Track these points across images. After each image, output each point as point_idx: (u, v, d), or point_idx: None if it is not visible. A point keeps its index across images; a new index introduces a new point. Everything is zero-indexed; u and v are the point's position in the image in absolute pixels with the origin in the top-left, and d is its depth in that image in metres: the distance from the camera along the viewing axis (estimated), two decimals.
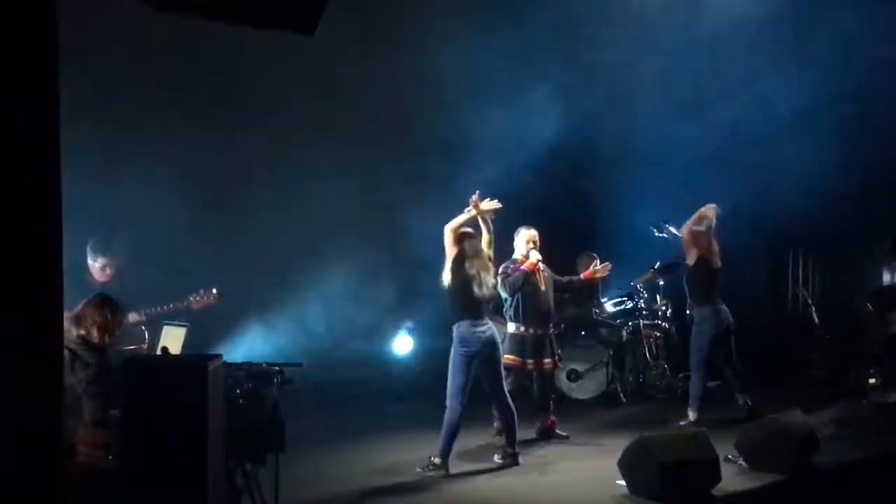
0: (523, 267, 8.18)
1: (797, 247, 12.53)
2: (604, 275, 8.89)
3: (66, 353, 5.27)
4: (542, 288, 8.32)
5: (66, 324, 5.55)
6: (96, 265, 7.33)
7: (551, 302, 8.46)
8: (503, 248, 8.56)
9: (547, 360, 8.40)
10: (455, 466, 7.26)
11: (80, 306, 5.59)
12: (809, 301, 11.21)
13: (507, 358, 8.32)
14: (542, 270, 8.35)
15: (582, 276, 8.83)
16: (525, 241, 8.29)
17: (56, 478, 3.31)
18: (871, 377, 10.48)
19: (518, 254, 8.38)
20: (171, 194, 9.13)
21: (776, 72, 11.33)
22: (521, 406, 8.51)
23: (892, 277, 12.38)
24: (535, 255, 8.23)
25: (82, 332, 5.48)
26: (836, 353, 10.80)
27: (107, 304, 5.63)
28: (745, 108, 11.28)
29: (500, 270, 8.32)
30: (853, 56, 10.96)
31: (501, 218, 7.59)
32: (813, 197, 11.14)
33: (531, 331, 8.27)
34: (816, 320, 10.87)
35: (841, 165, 11.37)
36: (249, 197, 9.62)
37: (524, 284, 8.18)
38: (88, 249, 7.34)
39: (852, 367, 10.66)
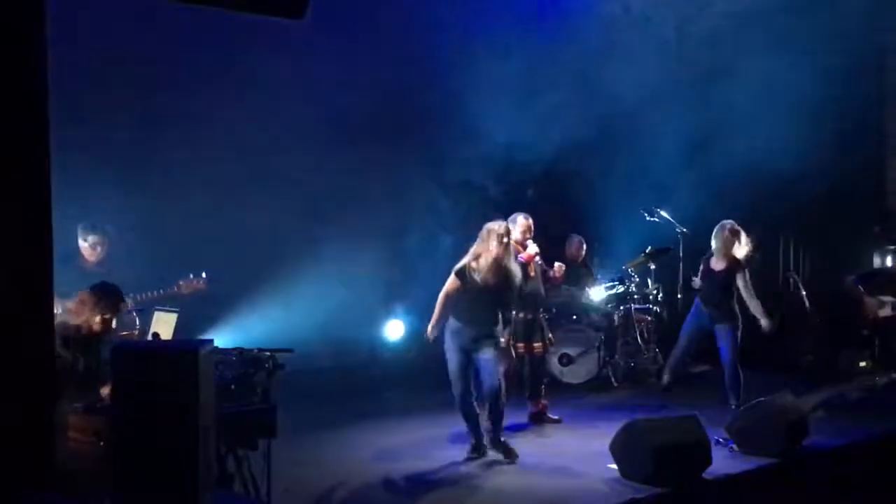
0: (521, 258, 8.14)
1: (787, 231, 12.54)
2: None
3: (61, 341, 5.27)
4: (532, 274, 8.29)
5: (64, 312, 5.55)
6: (86, 245, 7.33)
7: (541, 288, 8.45)
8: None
9: (537, 344, 8.40)
10: (446, 451, 7.26)
11: (79, 294, 5.58)
12: (800, 285, 11.23)
13: None
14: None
15: (553, 274, 8.67)
16: (522, 230, 8.23)
17: (46, 464, 3.31)
18: (862, 360, 10.53)
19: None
20: (160, 179, 9.11)
21: (763, 57, 11.33)
22: (512, 390, 8.55)
23: (883, 261, 12.42)
24: (534, 248, 8.19)
25: (79, 320, 5.46)
26: (826, 336, 10.84)
27: (107, 291, 5.61)
28: (733, 92, 11.28)
29: None
30: (838, 38, 10.98)
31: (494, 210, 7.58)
32: (802, 180, 11.16)
33: (521, 315, 8.26)
34: (807, 304, 10.90)
35: (830, 149, 11.39)
36: (238, 181, 9.57)
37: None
38: (79, 229, 7.35)
39: (843, 350, 10.70)
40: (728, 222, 8.94)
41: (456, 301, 7.21)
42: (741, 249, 8.84)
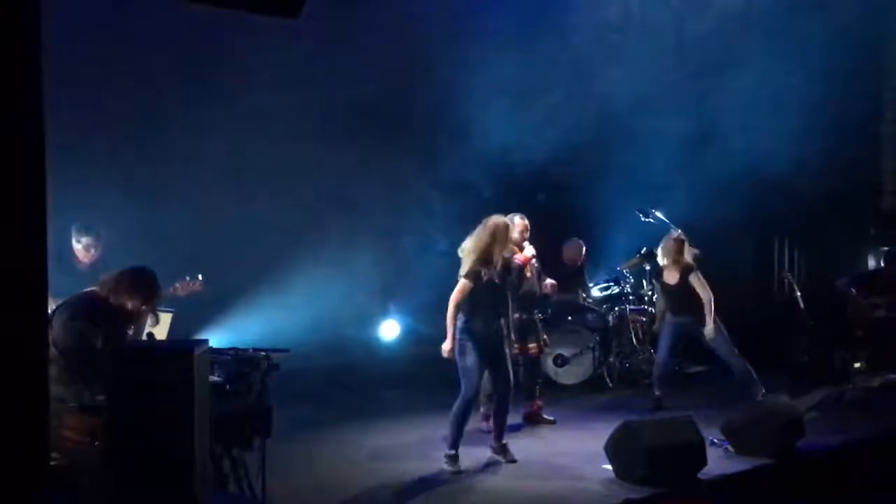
0: (518, 259, 8.08)
1: (782, 231, 12.56)
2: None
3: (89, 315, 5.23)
4: (529, 275, 8.28)
5: (102, 292, 5.44)
6: (80, 246, 7.33)
7: (537, 288, 8.44)
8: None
9: (532, 345, 8.38)
10: (443, 451, 7.26)
11: (116, 273, 5.45)
12: (795, 286, 11.25)
13: None
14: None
15: (545, 289, 8.65)
16: (519, 230, 8.17)
17: (45, 464, 3.30)
18: (856, 361, 10.55)
19: None
20: (157, 179, 9.12)
21: (762, 57, 11.35)
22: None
23: (878, 262, 12.44)
24: (531, 250, 8.16)
25: (115, 301, 5.38)
26: (821, 337, 10.84)
27: (146, 282, 5.46)
28: (730, 93, 11.30)
29: None
30: (835, 39, 11.00)
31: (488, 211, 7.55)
32: (798, 181, 11.18)
33: (516, 315, 8.22)
34: (802, 305, 10.91)
35: (827, 150, 11.41)
36: (234, 182, 9.57)
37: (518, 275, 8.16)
38: (73, 230, 7.35)
39: (837, 351, 10.71)
40: (673, 232, 9.16)
41: (464, 303, 6.98)
42: (689, 253, 9.02)
